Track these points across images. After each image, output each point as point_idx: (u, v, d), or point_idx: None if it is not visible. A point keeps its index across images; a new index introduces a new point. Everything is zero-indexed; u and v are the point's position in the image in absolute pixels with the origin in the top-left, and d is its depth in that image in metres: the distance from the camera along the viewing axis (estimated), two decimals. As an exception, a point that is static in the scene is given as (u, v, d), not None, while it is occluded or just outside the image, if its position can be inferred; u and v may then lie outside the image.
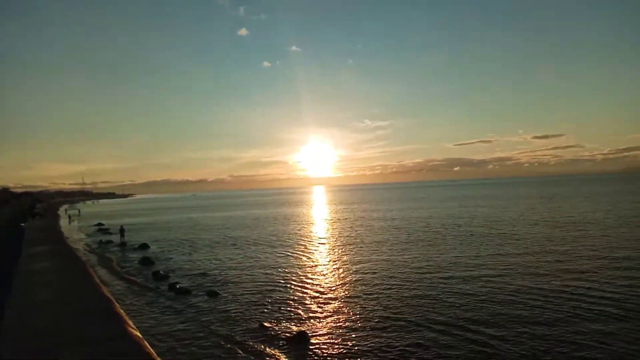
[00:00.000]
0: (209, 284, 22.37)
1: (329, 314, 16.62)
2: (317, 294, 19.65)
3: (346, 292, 19.58)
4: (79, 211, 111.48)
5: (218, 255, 31.69)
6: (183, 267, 27.75)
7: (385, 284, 20.57)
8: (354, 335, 14.08)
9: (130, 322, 12.41)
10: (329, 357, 12.55)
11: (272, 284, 21.96)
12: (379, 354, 12.53)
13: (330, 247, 33.62)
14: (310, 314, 16.67)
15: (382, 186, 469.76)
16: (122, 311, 13.26)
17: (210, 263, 28.67)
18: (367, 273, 23.29)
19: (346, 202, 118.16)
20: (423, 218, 54.49)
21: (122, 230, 43.07)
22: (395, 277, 21.92)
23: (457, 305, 16.80)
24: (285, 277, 23.29)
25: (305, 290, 20.36)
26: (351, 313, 16.48)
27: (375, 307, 16.99)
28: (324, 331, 14.67)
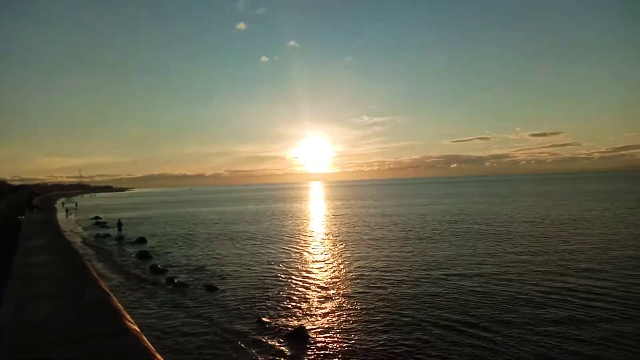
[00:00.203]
0: (207, 278, 22.32)
1: (328, 309, 16.59)
2: (315, 289, 19.63)
3: (345, 288, 19.56)
4: (76, 204, 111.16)
5: (216, 250, 31.62)
6: (181, 261, 27.69)
7: (384, 280, 20.56)
8: (352, 331, 14.06)
9: (128, 317, 12.33)
10: (328, 352, 12.53)
11: (271, 278, 21.93)
12: (378, 350, 12.51)
13: (329, 243, 33.59)
14: (309, 309, 16.65)
15: (379, 182, 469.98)
16: (120, 305, 13.17)
17: (208, 257, 28.61)
18: (366, 269, 23.27)
19: (344, 198, 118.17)
20: (421, 214, 54.52)
21: (119, 224, 42.97)
22: (394, 274, 21.91)
23: (457, 302, 16.81)
24: (284, 272, 23.25)
25: (304, 286, 20.33)
26: (350, 308, 16.46)
27: (374, 303, 16.98)
28: (323, 326, 14.64)
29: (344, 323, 14.91)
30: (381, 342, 13.03)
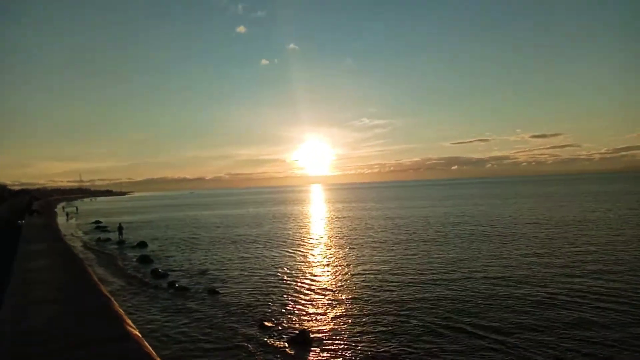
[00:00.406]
0: (208, 282, 22.17)
1: (331, 313, 16.44)
2: (318, 293, 19.47)
3: (348, 291, 19.40)
4: (77, 209, 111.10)
5: (217, 254, 31.48)
6: (182, 265, 27.55)
7: (388, 283, 20.40)
8: (357, 335, 13.90)
9: (130, 321, 12.20)
10: (332, 357, 12.37)
11: (272, 282, 21.77)
12: (383, 355, 12.35)
13: (331, 246, 33.43)
14: (312, 313, 16.49)
15: (379, 185, 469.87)
16: (121, 310, 13.03)
17: (210, 261, 28.46)
18: (369, 272, 23.11)
19: (344, 200, 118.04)
20: (423, 217, 54.36)
21: (120, 228, 42.86)
22: (398, 276, 21.75)
23: (464, 304, 16.64)
24: (286, 276, 23.09)
25: (307, 289, 20.18)
26: (354, 312, 16.30)
27: (379, 307, 16.81)
28: (326, 331, 14.48)
29: (348, 327, 14.75)
30: (387, 347, 12.87)
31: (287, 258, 28.70)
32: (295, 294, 19.35)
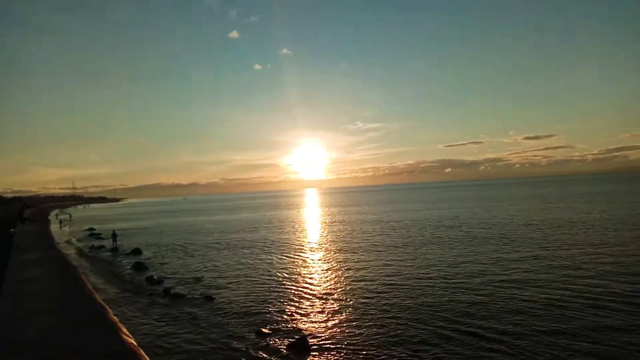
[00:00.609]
0: (204, 289, 21.97)
1: (330, 319, 16.29)
2: (316, 299, 19.33)
3: (346, 297, 19.27)
4: (70, 216, 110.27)
5: (212, 260, 31.25)
6: (177, 271, 27.30)
7: (386, 288, 20.29)
8: (356, 341, 13.77)
9: (125, 330, 12.03)
10: (330, 363, 12.24)
11: (269, 288, 21.60)
12: (382, 360, 12.24)
13: (327, 251, 33.29)
14: (310, 320, 16.34)
15: (374, 188, 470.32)
16: (116, 318, 12.86)
17: (205, 267, 28.23)
18: (367, 276, 23.01)
19: (339, 204, 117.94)
20: (418, 220, 54.37)
21: (114, 235, 42.48)
22: (395, 282, 21.65)
23: (463, 308, 16.55)
24: (283, 282, 22.93)
25: (304, 295, 20.02)
26: (353, 318, 16.16)
27: (377, 312, 16.70)
28: (325, 337, 14.34)
29: (347, 333, 14.62)
30: (387, 352, 12.75)
31: (284, 263, 28.54)
32: (293, 300, 19.19)
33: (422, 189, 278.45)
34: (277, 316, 16.86)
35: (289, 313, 17.21)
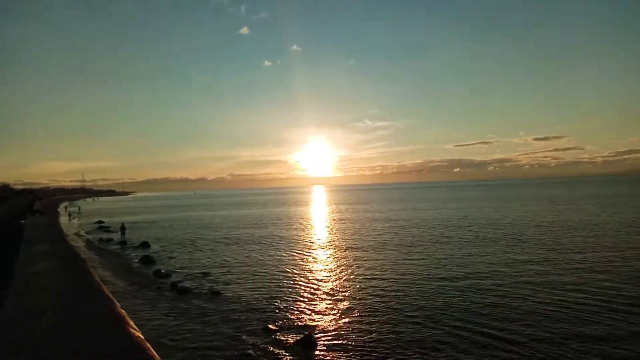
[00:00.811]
0: (211, 284, 21.97)
1: (337, 316, 16.19)
2: (323, 295, 19.24)
3: (353, 294, 19.16)
4: (79, 208, 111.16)
5: (220, 255, 31.28)
6: (185, 266, 27.36)
7: (394, 288, 20.11)
8: (362, 339, 13.65)
9: (132, 323, 12.01)
10: (338, 362, 12.14)
11: (276, 284, 21.55)
12: (389, 358, 12.11)
13: (335, 248, 33.18)
14: (317, 316, 16.26)
15: (382, 186, 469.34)
16: (123, 312, 12.85)
17: (213, 262, 28.27)
18: (375, 275, 22.87)
19: (347, 202, 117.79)
20: (427, 219, 54.10)
21: (122, 229, 42.71)
22: (403, 280, 21.50)
23: (470, 308, 16.36)
24: (290, 278, 22.87)
25: (311, 292, 19.95)
26: (359, 316, 16.04)
27: (385, 310, 16.56)
28: (332, 334, 14.24)
29: (354, 331, 14.50)
30: (393, 351, 12.62)
31: (292, 260, 28.49)
32: (300, 296, 19.11)
33: (430, 188, 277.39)
34: (284, 312, 16.79)
35: (297, 310, 17.14)
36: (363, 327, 14.81)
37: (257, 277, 23.40)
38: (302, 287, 20.76)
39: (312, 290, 20.13)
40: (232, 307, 17.68)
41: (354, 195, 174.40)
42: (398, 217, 58.08)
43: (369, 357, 12.32)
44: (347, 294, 19.29)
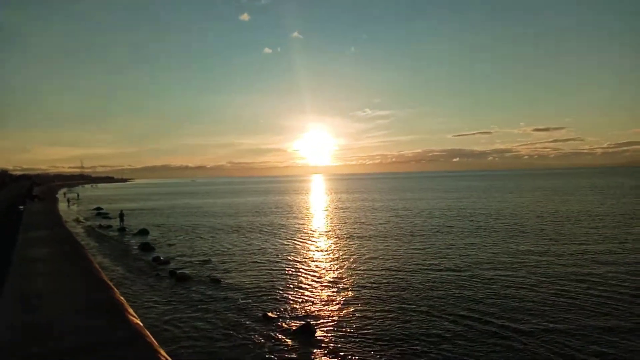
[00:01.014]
0: (210, 271, 21.93)
1: (336, 304, 16.16)
2: (323, 284, 19.21)
3: (353, 283, 19.13)
4: (78, 195, 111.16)
5: (219, 242, 31.24)
6: (184, 253, 27.32)
7: (395, 276, 20.09)
8: (362, 327, 13.62)
9: (131, 311, 11.96)
10: (337, 349, 12.11)
11: (276, 272, 21.52)
12: (390, 347, 12.09)
13: (335, 236, 33.15)
14: (317, 305, 16.22)
15: (381, 176, 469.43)
16: (122, 299, 12.80)
17: (212, 250, 28.23)
18: (375, 263, 22.85)
19: (347, 191, 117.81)
20: (427, 209, 54.10)
21: (121, 215, 42.62)
22: (403, 268, 21.47)
23: (470, 296, 16.34)
24: (290, 266, 22.84)
25: (311, 280, 19.92)
26: (360, 304, 16.01)
27: (385, 299, 16.53)
28: (331, 322, 14.21)
29: (353, 319, 14.47)
30: (393, 340, 12.60)
31: (291, 248, 28.46)
32: (299, 285, 19.08)
33: (430, 177, 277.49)
34: (284, 301, 16.76)
35: (296, 298, 17.10)
36: (363, 316, 14.78)
37: (258, 265, 23.37)
38: (303, 276, 20.73)
39: (313, 279, 20.11)
40: (232, 295, 17.65)
41: (353, 185, 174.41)
42: (398, 207, 58.07)
43: (369, 347, 12.30)
44: (347, 282, 19.27)
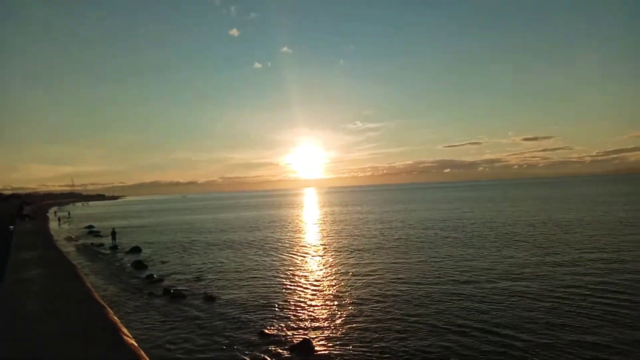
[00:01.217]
0: (205, 288, 21.65)
1: (334, 319, 15.99)
2: (319, 299, 19.04)
3: (351, 297, 18.98)
4: (69, 213, 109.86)
5: (213, 258, 30.93)
6: (177, 270, 26.99)
7: (391, 291, 19.91)
8: (362, 342, 13.46)
9: (125, 331, 11.74)
10: (336, 366, 11.95)
11: (271, 288, 21.30)
12: (389, 363, 11.95)
13: (330, 252, 32.97)
14: (314, 320, 16.04)
15: (373, 188, 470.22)
16: (116, 319, 12.57)
17: (206, 266, 27.92)
18: (371, 277, 22.71)
19: (339, 204, 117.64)
20: (420, 220, 54.11)
21: (113, 233, 42.15)
22: (401, 281, 21.37)
23: (471, 308, 16.27)
24: (285, 281, 22.63)
25: (307, 295, 19.73)
26: (358, 318, 15.86)
27: (383, 313, 16.40)
28: (329, 338, 14.04)
29: (351, 335, 14.31)
30: (395, 355, 12.46)
31: (285, 263, 28.23)
32: (295, 301, 18.88)
33: (421, 189, 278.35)
34: (281, 317, 16.56)
35: (293, 314, 16.90)
36: (363, 330, 14.63)
37: (253, 280, 23.13)
38: (299, 291, 20.54)
39: (309, 295, 19.92)
40: (228, 312, 17.41)
41: (345, 197, 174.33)
42: (392, 219, 58.04)
43: (367, 361, 12.14)
44: (345, 297, 19.10)
